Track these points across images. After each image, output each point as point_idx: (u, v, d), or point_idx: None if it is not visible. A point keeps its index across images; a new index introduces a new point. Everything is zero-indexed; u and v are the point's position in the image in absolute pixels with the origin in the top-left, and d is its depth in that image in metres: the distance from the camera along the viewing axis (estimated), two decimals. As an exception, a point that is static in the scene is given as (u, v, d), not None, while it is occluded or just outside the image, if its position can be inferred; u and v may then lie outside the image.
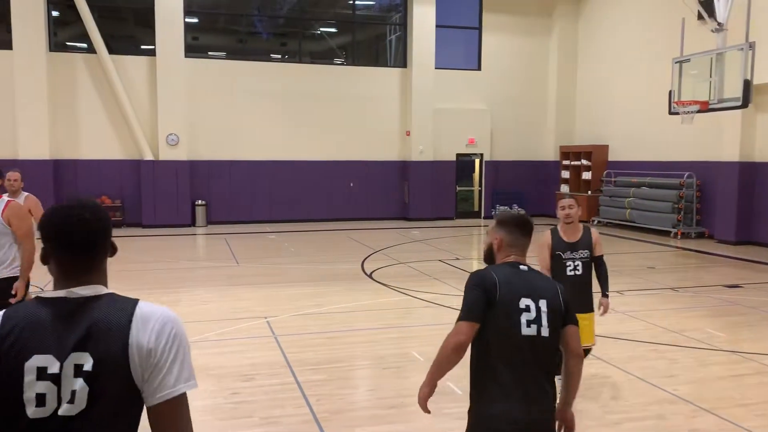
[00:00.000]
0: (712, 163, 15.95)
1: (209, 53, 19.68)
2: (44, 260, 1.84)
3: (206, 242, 16.24)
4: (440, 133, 20.37)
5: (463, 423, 2.88)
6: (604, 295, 5.48)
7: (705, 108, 12.47)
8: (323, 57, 20.85)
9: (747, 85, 11.45)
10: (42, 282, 10.20)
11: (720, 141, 15.61)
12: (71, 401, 1.66)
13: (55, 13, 17.87)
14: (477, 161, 21.29)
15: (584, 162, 20.15)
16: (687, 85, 13.04)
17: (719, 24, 12.48)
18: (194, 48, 19.01)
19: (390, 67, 20.64)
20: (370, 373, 6.52)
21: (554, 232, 5.39)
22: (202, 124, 18.58)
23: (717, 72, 12.34)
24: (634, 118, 18.58)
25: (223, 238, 16.28)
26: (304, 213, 19.55)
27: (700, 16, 14.37)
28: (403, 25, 20.35)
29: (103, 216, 1.87)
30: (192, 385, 1.76)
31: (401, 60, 20.54)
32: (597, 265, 5.40)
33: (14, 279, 5.54)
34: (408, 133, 20.17)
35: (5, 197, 5.65)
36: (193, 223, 18.44)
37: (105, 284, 1.84)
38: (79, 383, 1.66)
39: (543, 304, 2.76)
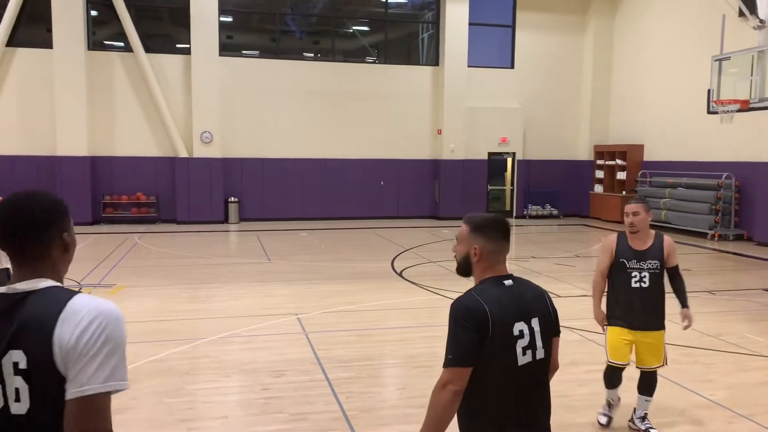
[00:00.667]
0: (751, 163, 15.57)
1: (243, 52, 19.87)
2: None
3: (238, 239, 16.41)
4: (472, 131, 20.25)
5: None
6: (684, 306, 4.89)
7: (745, 107, 12.18)
8: (355, 55, 20.89)
9: (790, 83, 11.15)
10: (78, 276, 10.43)
11: (760, 141, 15.23)
12: (17, 399, 1.63)
13: (93, 13, 18.23)
14: (509, 160, 21.12)
15: (619, 162, 19.85)
16: (727, 84, 12.75)
17: (761, 21, 12.18)
18: (228, 47, 19.22)
19: (422, 65, 20.58)
20: (400, 371, 6.51)
21: (621, 237, 4.84)
22: (236, 122, 18.77)
23: (758, 70, 12.04)
24: (671, 118, 18.23)
25: (255, 234, 16.43)
26: (335, 211, 19.62)
27: (741, 13, 14.03)
28: (436, 23, 20.27)
29: (47, 207, 1.77)
30: (111, 386, 1.64)
31: (433, 58, 20.47)
32: (671, 276, 4.85)
33: None
34: (439, 132, 20.10)
35: None
36: (225, 220, 18.65)
37: (55, 278, 1.77)
38: (19, 381, 1.62)
39: (536, 323, 2.50)
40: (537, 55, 20.95)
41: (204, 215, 18.34)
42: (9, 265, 1.81)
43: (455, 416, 2.45)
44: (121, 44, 18.34)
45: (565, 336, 7.33)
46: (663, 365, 4.90)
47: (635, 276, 4.73)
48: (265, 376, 6.03)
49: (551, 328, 2.58)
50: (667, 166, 18.39)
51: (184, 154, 18.24)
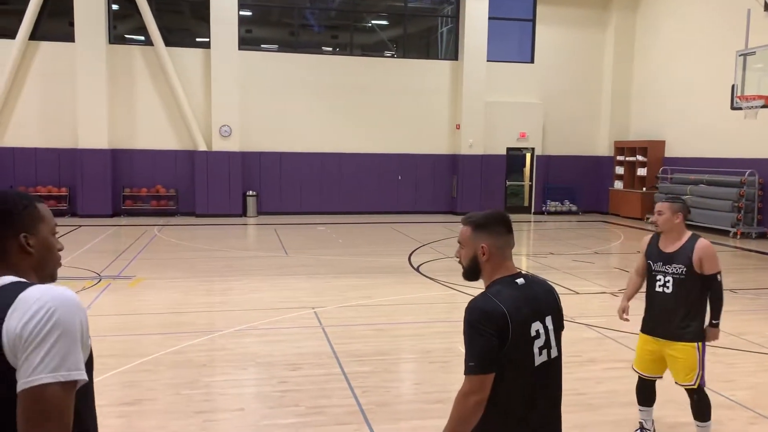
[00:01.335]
0: (776, 160, 15.32)
1: (262, 46, 19.91)
2: None
3: (256, 232, 16.48)
4: (491, 126, 20.13)
5: None
6: (711, 323, 4.36)
7: (770, 103, 11.98)
8: (374, 49, 20.84)
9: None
10: (98, 268, 10.54)
11: (785, 137, 14.98)
12: None
13: (114, 7, 18.36)
14: (528, 155, 20.98)
15: (639, 158, 19.63)
16: (751, 79, 12.56)
17: (787, 15, 11.95)
18: (247, 41, 19.27)
19: (441, 59, 20.49)
20: (416, 366, 6.50)
21: (654, 237, 4.54)
22: (254, 115, 18.84)
23: (784, 65, 11.83)
24: (693, 113, 17.98)
25: (272, 228, 16.49)
26: (352, 205, 19.63)
27: (766, 7, 13.78)
28: (455, 17, 20.16)
29: (5, 201, 1.74)
30: (62, 376, 1.52)
31: (452, 52, 20.37)
32: (706, 286, 4.31)
33: None
34: (458, 127, 20.01)
35: None
36: (244, 213, 18.74)
37: (14, 273, 1.71)
38: None
39: (549, 321, 2.47)
40: (557, 49, 20.77)
41: (222, 208, 18.44)
42: None
43: None
44: (142, 38, 18.46)
45: (583, 333, 7.31)
46: (694, 385, 4.35)
47: (659, 280, 4.41)
48: (281, 369, 6.05)
49: (561, 324, 2.57)
50: (689, 163, 18.15)
51: (203, 147, 18.34)
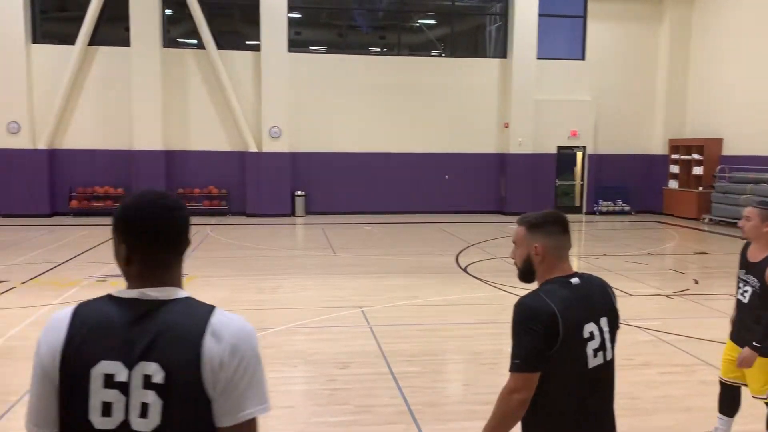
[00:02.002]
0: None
1: (310, 48, 20.11)
2: (119, 256, 1.66)
3: (305, 231, 16.66)
4: (541, 125, 19.84)
5: None
6: (751, 344, 4.00)
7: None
8: (422, 49, 20.80)
9: None
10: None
11: None
12: (143, 415, 1.52)
13: (168, 12, 18.84)
14: (579, 154, 20.60)
15: (695, 156, 19.05)
16: (816, 74, 12.02)
17: None
18: (297, 43, 19.49)
19: (489, 57, 20.31)
20: (465, 367, 6.46)
21: (747, 244, 4.26)
22: (303, 116, 19.04)
23: None
24: (752, 110, 17.33)
25: (320, 227, 16.65)
26: (400, 205, 19.64)
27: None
28: (504, 15, 19.95)
29: (184, 206, 1.70)
30: (264, 409, 1.60)
31: (501, 50, 20.16)
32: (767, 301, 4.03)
33: None
34: (506, 125, 19.80)
35: None
36: (292, 213, 18.97)
37: (180, 286, 1.67)
38: (151, 396, 1.52)
39: (604, 322, 2.40)
40: (609, 45, 20.32)
41: (272, 208, 18.70)
42: None
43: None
44: (194, 41, 18.88)
45: (637, 336, 7.14)
46: (766, 399, 4.14)
47: (741, 287, 4.21)
48: (330, 368, 6.10)
49: (616, 323, 2.51)
50: (748, 161, 17.51)
51: (253, 148, 18.64)
